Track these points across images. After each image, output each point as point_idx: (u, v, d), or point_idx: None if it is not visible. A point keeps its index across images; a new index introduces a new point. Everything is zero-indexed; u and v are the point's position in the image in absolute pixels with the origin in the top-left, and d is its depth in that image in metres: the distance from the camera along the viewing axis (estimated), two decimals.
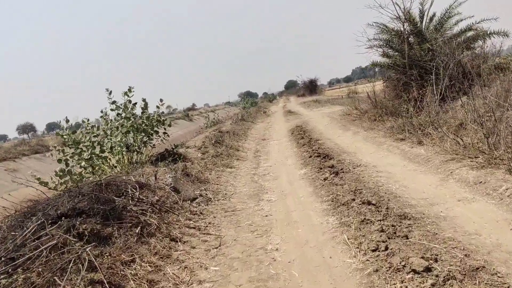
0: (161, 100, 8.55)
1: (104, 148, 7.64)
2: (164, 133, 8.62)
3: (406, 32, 12.56)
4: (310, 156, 8.17)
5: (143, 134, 8.05)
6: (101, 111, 8.47)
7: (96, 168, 7.52)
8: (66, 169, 7.20)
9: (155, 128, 8.41)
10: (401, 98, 12.47)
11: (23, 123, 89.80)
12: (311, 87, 50.78)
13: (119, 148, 7.66)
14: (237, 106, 70.64)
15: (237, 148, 10.66)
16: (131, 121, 7.91)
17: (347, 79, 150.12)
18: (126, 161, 7.63)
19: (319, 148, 9.15)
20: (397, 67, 12.92)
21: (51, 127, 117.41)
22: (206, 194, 5.83)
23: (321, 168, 6.90)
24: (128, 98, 8.25)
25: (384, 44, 13.58)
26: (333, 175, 6.25)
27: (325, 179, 6.10)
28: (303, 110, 24.39)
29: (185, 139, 37.26)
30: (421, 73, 12.00)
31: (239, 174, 7.53)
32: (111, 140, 7.77)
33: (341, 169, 6.67)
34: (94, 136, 7.64)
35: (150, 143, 8.37)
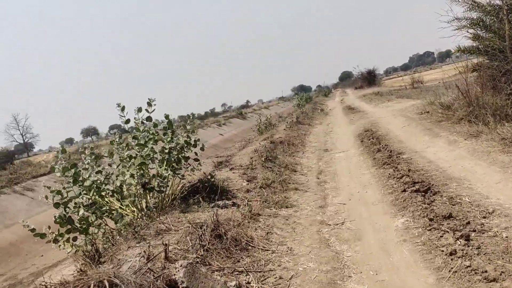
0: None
1: (111, 187, 5.48)
2: (196, 159, 6.33)
3: (506, 6, 9.43)
4: (404, 190, 5.49)
5: (165, 165, 5.77)
6: (113, 133, 6.30)
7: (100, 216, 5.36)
8: (67, 215, 5.16)
9: (184, 153, 6.13)
10: (502, 92, 9.41)
11: (86, 126, 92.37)
12: (370, 78, 47.03)
13: (131, 187, 5.45)
14: (290, 101, 67.89)
15: (294, 168, 8.17)
16: (147, 147, 5.66)
17: (405, 67, 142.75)
18: (140, 206, 5.40)
19: (409, 170, 6.45)
20: (494, 52, 9.84)
21: (113, 128, 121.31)
22: None
23: (431, 220, 4.26)
24: (148, 114, 6.01)
25: (475, 24, 10.49)
26: (461, 240, 3.62)
27: (451, 253, 3.47)
28: (366, 106, 21.34)
29: (238, 138, 34.94)
30: None
31: (299, 223, 5.03)
32: (120, 175, 5.57)
33: (467, 222, 4.01)
34: (98, 172, 5.48)
35: (178, 174, 6.07)
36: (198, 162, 6.33)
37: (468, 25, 10.32)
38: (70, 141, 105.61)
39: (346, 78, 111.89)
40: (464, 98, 10.34)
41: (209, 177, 6.49)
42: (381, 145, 9.07)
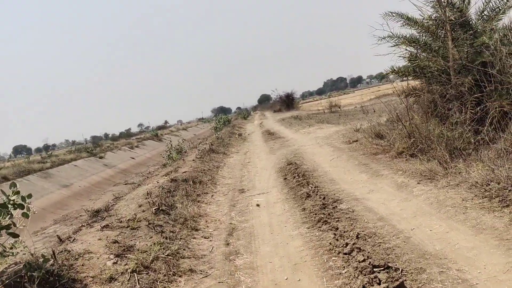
0: None
1: None
2: (12, 234, 3.66)
3: (450, 20, 8.02)
4: (367, 284, 3.29)
5: None
6: None
7: None
8: None
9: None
10: (447, 121, 7.90)
11: None
12: (288, 102, 46.34)
13: None
14: (210, 123, 65.61)
15: (196, 225, 5.69)
16: None
17: (320, 92, 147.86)
18: None
19: (357, 236, 4.32)
20: (435, 73, 8.38)
21: (18, 150, 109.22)
22: None
23: None
24: None
25: (412, 41, 9.02)
26: None
27: None
28: (286, 131, 19.61)
29: (153, 162, 31.53)
30: (477, 82, 7.49)
31: None
32: None
33: None
34: None
35: None
36: (15, 239, 3.65)
37: (407, 41, 8.79)
38: None
39: (265, 101, 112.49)
40: (402, 127, 8.71)
41: (41, 261, 3.80)
42: (310, 187, 6.95)
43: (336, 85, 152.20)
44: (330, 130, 15.54)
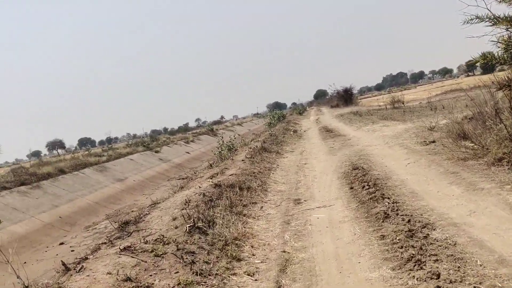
0: None
1: None
2: None
3: None
4: None
5: None
6: None
7: None
8: None
9: None
10: None
11: (52, 139, 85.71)
12: (346, 97, 43.97)
13: None
14: (265, 118, 64.57)
15: (237, 253, 4.30)
16: None
17: (379, 87, 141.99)
18: None
19: None
20: None
21: (83, 142, 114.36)
22: None
23: None
24: None
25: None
26: None
27: None
28: (347, 128, 17.81)
29: (207, 157, 30.80)
30: None
31: None
32: None
33: None
34: None
35: None
36: None
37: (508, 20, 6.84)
38: (37, 153, 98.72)
39: (321, 96, 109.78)
40: (501, 126, 6.81)
41: None
42: (386, 202, 5.36)
43: (396, 80, 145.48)
44: (397, 128, 13.62)
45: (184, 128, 75.96)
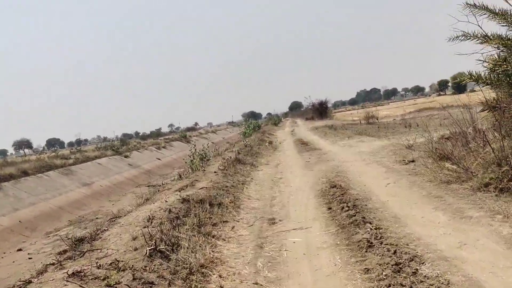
0: None
1: None
2: None
3: None
4: None
5: None
6: None
7: None
8: None
9: None
10: None
11: (19, 138, 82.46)
12: (321, 110, 44.08)
13: None
14: (239, 127, 64.17)
15: (203, 287, 3.74)
16: None
17: (352, 102, 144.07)
18: None
19: None
20: None
21: (51, 143, 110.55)
22: None
23: None
24: None
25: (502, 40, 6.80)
26: None
27: None
28: (322, 141, 17.50)
29: (178, 164, 30.02)
30: None
31: None
32: None
33: None
34: None
35: None
36: None
37: (499, 40, 6.60)
38: (3, 152, 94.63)
39: (296, 108, 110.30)
40: (488, 150, 6.51)
41: None
42: (368, 228, 4.90)
43: (370, 96, 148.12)
44: (374, 144, 13.37)
45: (157, 133, 74.50)
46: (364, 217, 5.36)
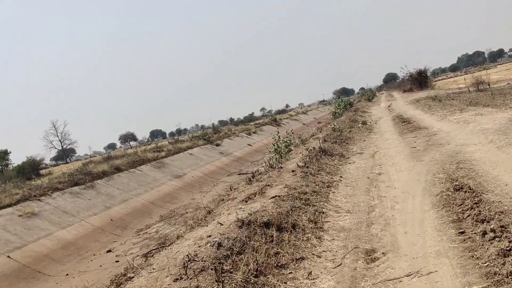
0: None
1: None
2: None
3: None
4: None
5: None
6: None
7: None
8: None
9: None
10: None
11: (124, 132, 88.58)
12: (420, 80, 39.12)
13: None
14: (331, 105, 61.00)
15: None
16: None
17: (453, 68, 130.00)
18: None
19: None
20: None
21: (154, 134, 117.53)
22: None
23: None
24: None
25: None
26: None
27: None
28: (427, 117, 14.44)
29: (269, 149, 28.60)
30: None
31: None
32: None
33: None
34: None
35: None
36: None
37: None
38: (112, 146, 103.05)
39: (391, 80, 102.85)
40: None
41: None
42: None
43: (473, 60, 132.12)
44: (497, 117, 10.20)
45: (249, 118, 74.46)
46: None
